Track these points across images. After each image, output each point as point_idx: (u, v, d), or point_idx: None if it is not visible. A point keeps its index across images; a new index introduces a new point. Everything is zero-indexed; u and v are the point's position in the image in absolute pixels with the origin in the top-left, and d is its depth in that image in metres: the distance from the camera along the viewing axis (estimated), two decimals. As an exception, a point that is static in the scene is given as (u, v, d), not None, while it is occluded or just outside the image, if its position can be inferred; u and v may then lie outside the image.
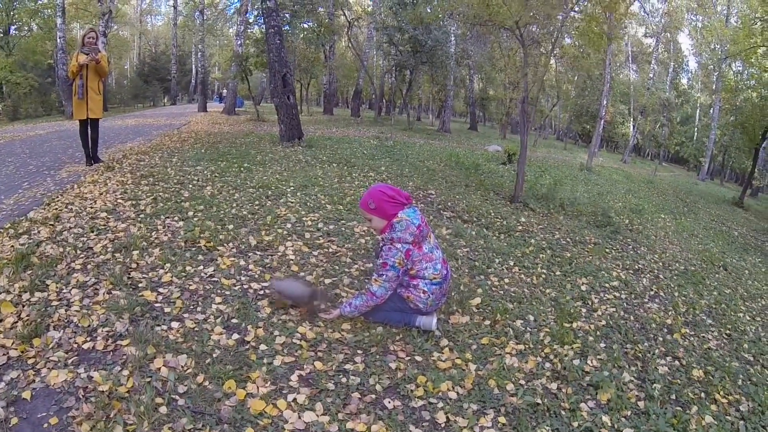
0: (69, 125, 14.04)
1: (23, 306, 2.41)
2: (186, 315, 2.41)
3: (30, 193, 4.50)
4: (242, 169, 5.79)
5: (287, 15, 17.92)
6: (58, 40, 17.74)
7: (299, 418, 1.81)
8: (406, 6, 16.42)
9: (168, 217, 3.70)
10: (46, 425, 1.67)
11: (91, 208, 3.89)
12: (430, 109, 36.22)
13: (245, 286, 2.73)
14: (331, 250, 3.32)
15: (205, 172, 5.50)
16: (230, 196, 4.44)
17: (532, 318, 2.96)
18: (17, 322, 2.29)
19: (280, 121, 8.63)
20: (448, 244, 4.01)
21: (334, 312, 2.50)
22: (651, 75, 31.56)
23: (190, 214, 3.82)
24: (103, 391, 1.80)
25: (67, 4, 19.46)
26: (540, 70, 7.53)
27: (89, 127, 5.77)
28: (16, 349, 2.07)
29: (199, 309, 2.48)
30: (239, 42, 17.38)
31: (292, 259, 3.08)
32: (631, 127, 32.04)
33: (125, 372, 1.92)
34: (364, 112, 23.58)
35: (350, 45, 20.52)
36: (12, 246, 3.08)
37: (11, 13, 22.08)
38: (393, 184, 5.64)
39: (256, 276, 2.86)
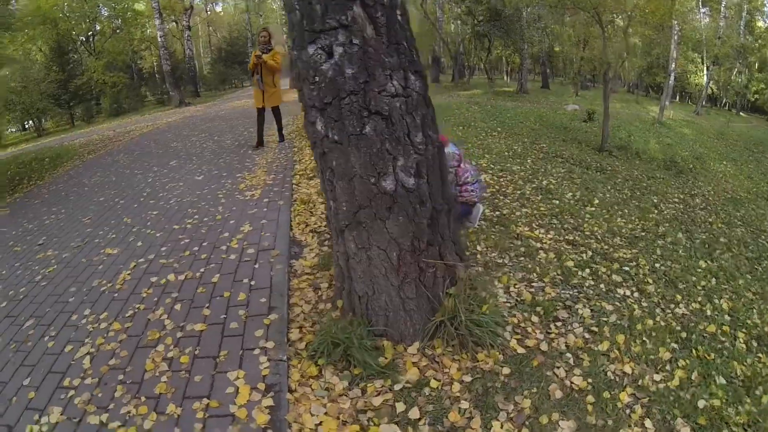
0: (187, 110, 16.99)
1: None
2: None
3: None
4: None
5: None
6: (159, 38, 20.83)
7: None
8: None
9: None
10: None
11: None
12: (503, 70, 37.49)
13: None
14: (508, 178, 6.02)
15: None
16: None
17: (626, 210, 5.61)
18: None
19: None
20: (568, 177, 6.66)
21: None
22: (721, 23, 30.80)
23: None
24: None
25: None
26: (615, 44, 9.66)
27: (272, 114, 7.44)
28: None
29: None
30: None
31: (492, 183, 5.79)
32: (705, 77, 31.77)
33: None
34: (441, 78, 25.76)
35: (426, 16, 22.55)
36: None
37: (92, 19, 24.97)
38: (513, 142, 8.36)
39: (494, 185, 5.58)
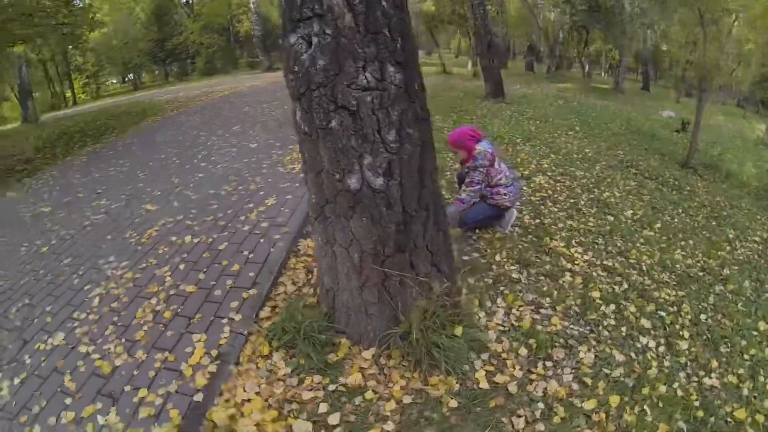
0: (274, 76, 17.05)
1: None
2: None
3: None
4: (473, 121, 7.98)
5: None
6: (252, 5, 21.03)
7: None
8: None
9: None
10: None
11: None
12: (601, 65, 34.25)
13: (528, 198, 4.85)
14: (566, 184, 5.36)
15: (447, 122, 7.79)
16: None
17: (691, 242, 4.72)
18: None
19: (486, 80, 10.57)
20: (636, 191, 5.78)
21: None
22: None
23: None
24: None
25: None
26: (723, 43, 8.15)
27: None
28: None
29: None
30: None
31: (546, 187, 5.15)
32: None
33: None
34: (536, 67, 24.02)
35: (524, 1, 20.89)
36: None
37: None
38: (587, 144, 7.44)
39: (530, 193, 4.95)
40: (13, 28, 7.22)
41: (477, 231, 3.73)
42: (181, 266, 3.42)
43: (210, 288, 3.09)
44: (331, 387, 2.28)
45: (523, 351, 2.49)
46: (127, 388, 2.40)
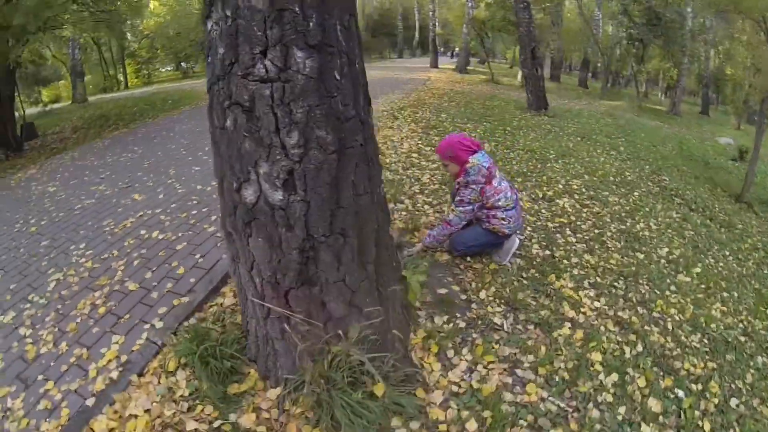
0: None
1: None
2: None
3: None
4: (506, 132, 7.21)
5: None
6: None
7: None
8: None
9: None
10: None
11: (401, 149, 5.31)
12: (659, 85, 31.70)
13: (543, 224, 4.00)
14: (594, 210, 4.57)
15: (477, 130, 7.07)
16: (506, 155, 5.91)
17: (735, 294, 3.83)
18: None
19: (528, 90, 9.68)
20: (678, 225, 4.87)
21: (418, 246, 2.95)
22: None
23: None
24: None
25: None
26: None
27: None
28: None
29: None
30: (470, 5, 17.60)
31: (569, 211, 4.40)
32: None
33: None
34: (590, 83, 22.42)
35: (580, 12, 19.36)
36: None
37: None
38: (629, 166, 6.49)
39: (548, 218, 4.14)
40: (45, 13, 7.15)
41: (469, 259, 3.10)
42: (136, 262, 3.11)
43: (150, 288, 2.76)
44: (217, 423, 1.86)
45: (472, 425, 1.87)
46: (40, 378, 2.32)
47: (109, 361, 2.28)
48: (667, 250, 4.15)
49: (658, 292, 3.36)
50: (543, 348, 2.38)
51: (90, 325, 2.60)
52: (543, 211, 4.22)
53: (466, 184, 2.76)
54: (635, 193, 5.48)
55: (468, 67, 20.85)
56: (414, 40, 37.44)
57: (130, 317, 2.56)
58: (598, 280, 3.27)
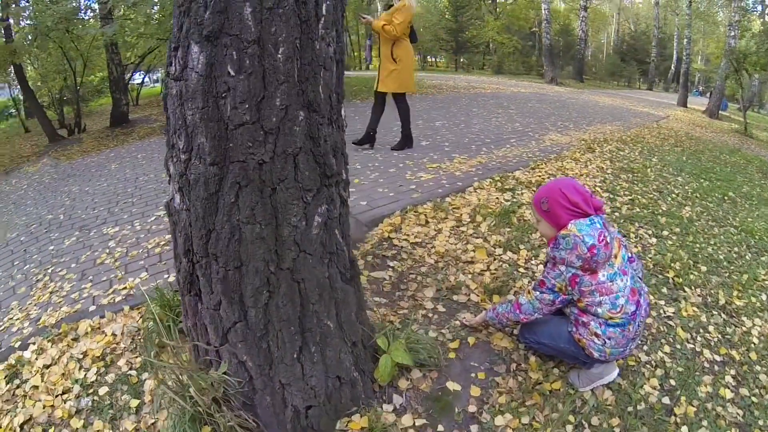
0: (549, 89, 15.28)
1: (494, 259, 2.62)
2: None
3: (516, 151, 4.83)
4: (726, 198, 5.06)
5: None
6: (543, 10, 19.67)
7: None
8: None
9: (642, 227, 3.65)
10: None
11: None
12: None
13: (697, 349, 2.40)
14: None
15: (686, 187, 5.09)
16: (709, 229, 4.04)
17: None
18: (485, 271, 2.52)
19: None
20: None
21: (479, 316, 2.17)
22: None
23: (665, 233, 3.65)
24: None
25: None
26: None
27: (395, 104, 4.78)
28: (478, 296, 2.37)
29: (645, 348, 2.28)
30: (732, 34, 13.63)
31: (755, 344, 2.55)
32: None
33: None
34: None
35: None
36: (497, 198, 3.36)
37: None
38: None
39: (711, 344, 2.50)
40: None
41: (532, 355, 2.08)
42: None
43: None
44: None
45: None
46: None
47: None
48: None
49: None
50: None
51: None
52: (709, 328, 2.62)
53: (554, 262, 1.76)
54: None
55: (722, 112, 16.36)
56: (669, 72, 31.43)
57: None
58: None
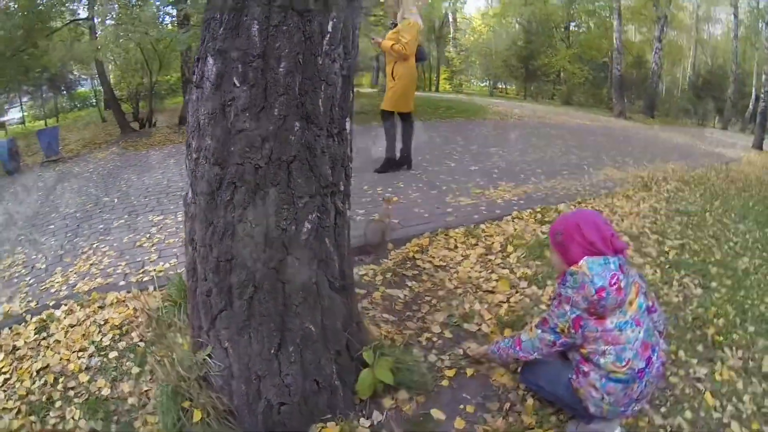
0: (615, 124, 14.50)
1: (516, 292, 2.53)
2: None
3: (566, 183, 4.64)
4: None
5: None
6: (615, 40, 18.68)
7: None
8: None
9: (688, 275, 3.32)
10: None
11: (616, 224, 3.83)
12: None
13: (725, 420, 2.07)
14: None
15: (747, 236, 4.58)
16: (766, 285, 3.64)
17: None
18: (504, 302, 2.45)
19: None
20: None
21: (483, 347, 2.05)
22: None
23: (713, 284, 3.25)
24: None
25: (623, 7, 19.52)
26: None
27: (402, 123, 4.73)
28: (489, 327, 2.29)
29: (662, 410, 2.02)
30: None
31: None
32: None
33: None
34: None
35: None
36: (534, 230, 3.25)
37: (571, 12, 24.07)
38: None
39: (743, 416, 2.13)
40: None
41: (531, 397, 1.95)
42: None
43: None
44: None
45: None
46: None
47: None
48: None
49: None
50: None
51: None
52: (744, 397, 2.29)
53: (559, 300, 1.63)
54: None
55: (808, 158, 14.60)
56: (747, 111, 28.55)
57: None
58: None
